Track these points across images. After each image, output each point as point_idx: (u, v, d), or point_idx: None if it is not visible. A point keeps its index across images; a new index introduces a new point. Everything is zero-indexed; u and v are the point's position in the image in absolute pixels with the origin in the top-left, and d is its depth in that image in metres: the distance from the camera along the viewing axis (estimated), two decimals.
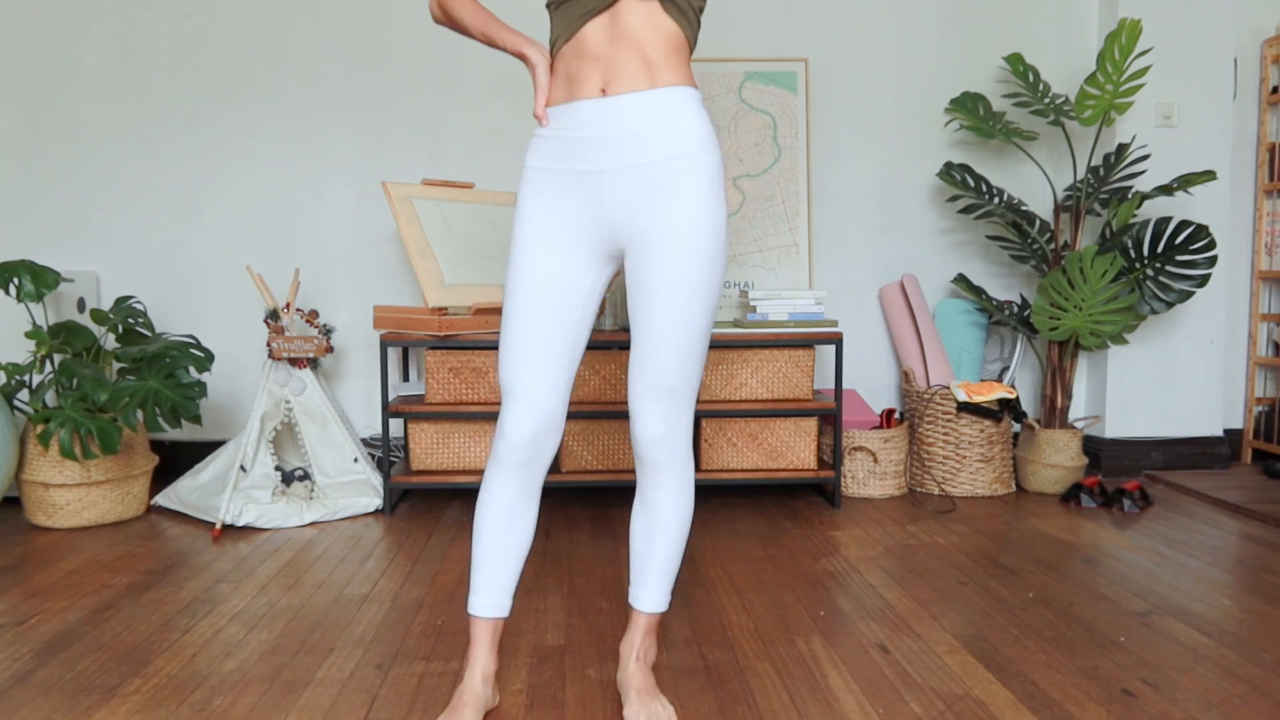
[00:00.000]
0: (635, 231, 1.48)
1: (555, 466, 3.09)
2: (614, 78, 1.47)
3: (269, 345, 2.95)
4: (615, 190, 1.48)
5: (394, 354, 3.34)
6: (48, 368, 2.92)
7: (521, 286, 1.51)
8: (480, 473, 2.98)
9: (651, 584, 1.63)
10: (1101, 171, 3.23)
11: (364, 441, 3.39)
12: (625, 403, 3.03)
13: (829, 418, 3.21)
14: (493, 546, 1.56)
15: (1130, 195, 3.20)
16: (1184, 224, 3.11)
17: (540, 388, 1.50)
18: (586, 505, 3.08)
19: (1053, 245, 3.30)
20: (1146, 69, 3.05)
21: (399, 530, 2.76)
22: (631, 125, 1.46)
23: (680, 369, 1.51)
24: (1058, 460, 3.21)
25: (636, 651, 1.64)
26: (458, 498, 3.17)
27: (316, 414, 3.03)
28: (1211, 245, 3.10)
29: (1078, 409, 3.64)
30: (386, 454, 2.89)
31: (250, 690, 1.70)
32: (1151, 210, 3.45)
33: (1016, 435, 3.48)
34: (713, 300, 1.51)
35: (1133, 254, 3.22)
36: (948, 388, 3.21)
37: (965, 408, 3.14)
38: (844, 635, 1.95)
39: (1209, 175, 3.05)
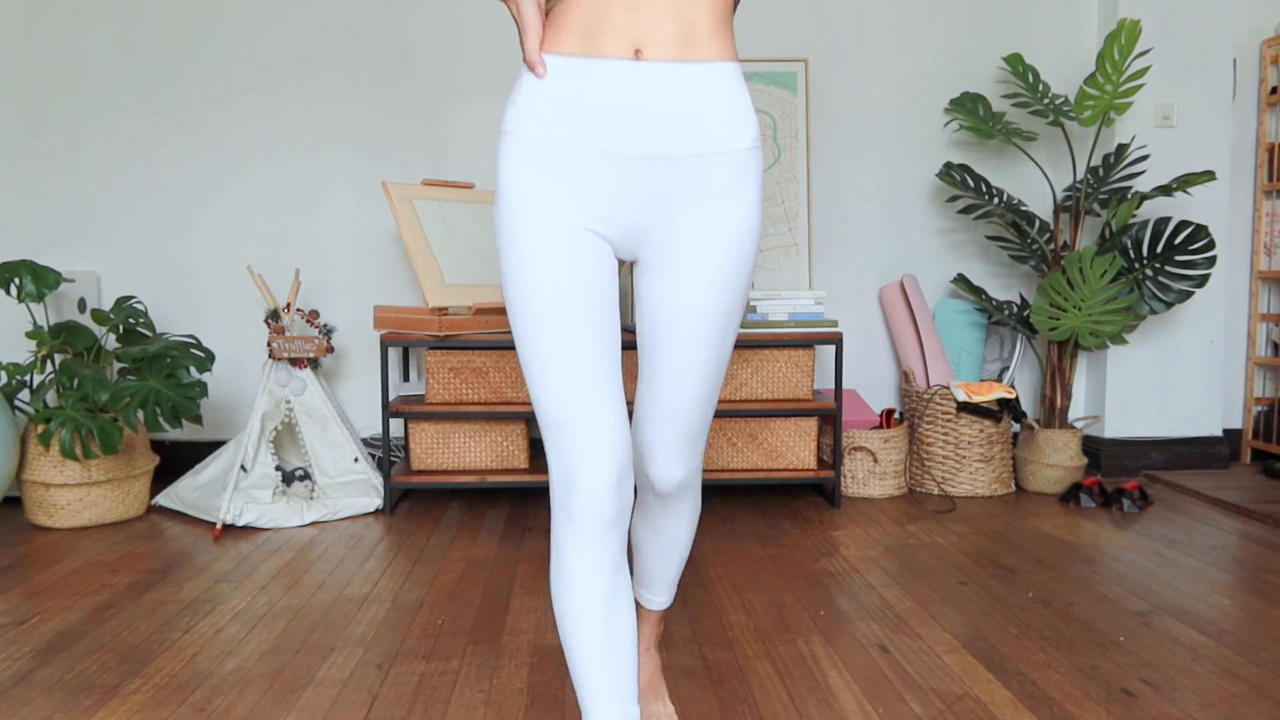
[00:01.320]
0: (663, 240, 1.20)
1: None
2: (651, 39, 1.14)
3: (269, 345, 2.95)
4: (646, 184, 1.17)
5: (394, 354, 3.34)
6: (49, 368, 2.92)
7: (546, 286, 1.16)
8: (482, 472, 2.98)
9: (659, 588, 1.52)
10: (1101, 172, 3.24)
11: (364, 441, 3.39)
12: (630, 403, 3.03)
13: (829, 418, 3.22)
14: (602, 645, 1.17)
15: (1130, 195, 3.20)
16: (1183, 224, 3.11)
17: (610, 414, 1.16)
18: None
19: (1052, 245, 3.31)
20: (1146, 69, 3.05)
21: (399, 530, 2.76)
22: (676, 104, 1.15)
23: (706, 409, 1.28)
24: (1057, 460, 3.22)
25: (645, 643, 1.57)
26: (458, 497, 3.17)
27: (317, 414, 3.03)
28: (1211, 245, 3.10)
29: (1077, 409, 3.64)
30: (387, 454, 2.89)
31: (251, 690, 1.70)
32: (1151, 210, 3.45)
33: (1016, 435, 3.48)
34: (738, 326, 1.29)
35: (1132, 254, 3.22)
36: (947, 388, 3.21)
37: (965, 408, 3.14)
38: (844, 635, 1.96)
39: (1208, 175, 3.05)
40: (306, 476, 3.05)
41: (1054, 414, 3.33)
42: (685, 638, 1.94)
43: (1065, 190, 3.38)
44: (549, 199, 1.16)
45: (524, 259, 1.16)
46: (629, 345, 2.94)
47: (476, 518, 2.91)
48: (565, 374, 1.15)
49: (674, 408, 1.27)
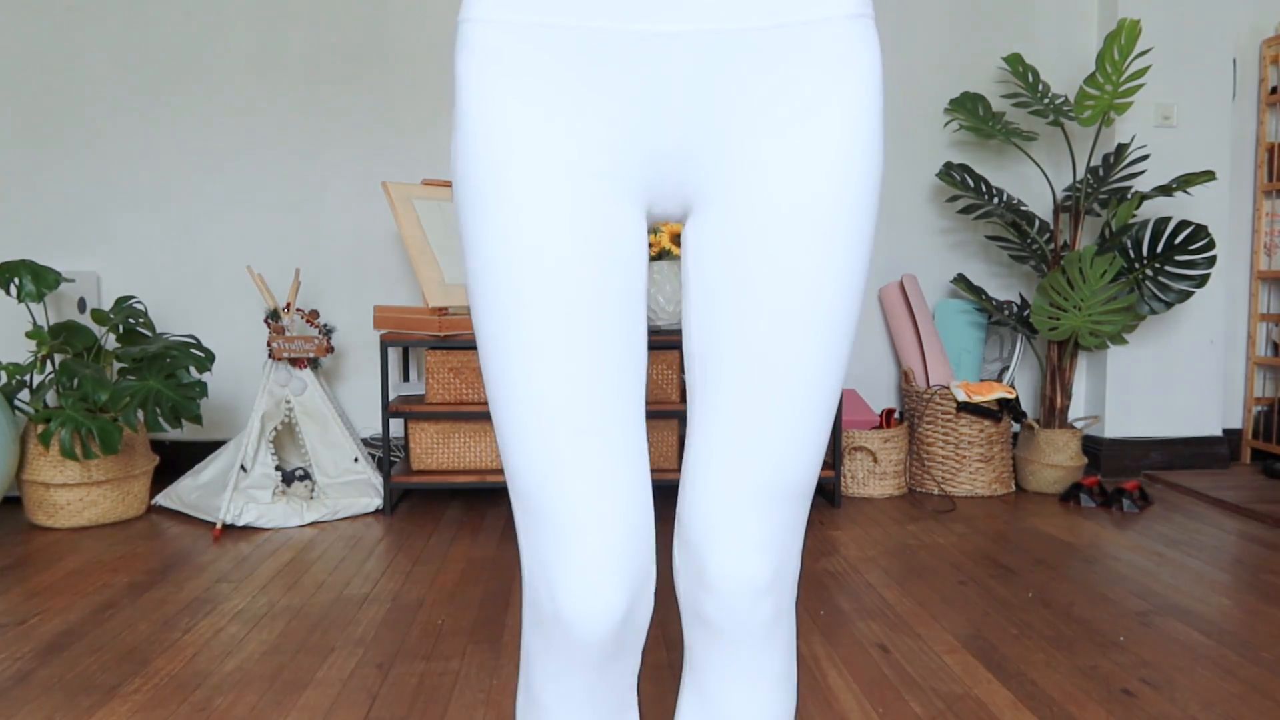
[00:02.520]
0: (729, 177, 0.76)
1: None
2: None
3: (269, 345, 2.95)
4: (694, 83, 0.73)
5: (394, 354, 3.34)
6: (48, 368, 2.92)
7: (529, 294, 0.73)
8: (482, 472, 2.98)
9: None
10: (1101, 172, 3.24)
11: (364, 441, 3.39)
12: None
13: None
14: None
15: (1129, 195, 3.20)
16: (1183, 224, 3.11)
17: (620, 495, 0.76)
18: None
19: (1052, 245, 3.31)
20: (1146, 69, 3.05)
21: (399, 530, 2.76)
22: None
23: (807, 450, 0.79)
24: (1057, 460, 3.22)
25: None
26: (458, 498, 3.17)
27: (317, 414, 3.03)
28: (1211, 245, 3.10)
29: (1077, 409, 3.64)
30: (387, 454, 2.89)
31: (251, 690, 1.70)
32: (1151, 210, 3.45)
33: (1016, 435, 3.48)
34: (858, 314, 0.81)
35: (1132, 254, 3.22)
36: (947, 388, 3.21)
37: (965, 408, 3.14)
38: (844, 635, 1.96)
39: (1208, 175, 3.05)
40: (306, 476, 3.05)
41: (1054, 414, 3.33)
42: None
43: (1065, 190, 3.38)
44: (536, 131, 0.73)
45: (494, 244, 0.74)
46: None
47: (476, 518, 2.91)
48: (553, 432, 0.74)
49: (751, 446, 0.77)
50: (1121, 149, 3.17)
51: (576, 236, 0.73)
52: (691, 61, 0.72)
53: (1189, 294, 3.16)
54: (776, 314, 0.76)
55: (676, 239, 3.07)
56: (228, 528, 2.77)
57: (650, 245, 2.99)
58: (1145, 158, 3.16)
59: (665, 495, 3.14)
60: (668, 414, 2.92)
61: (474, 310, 0.77)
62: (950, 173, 3.27)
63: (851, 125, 0.75)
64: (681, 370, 3.04)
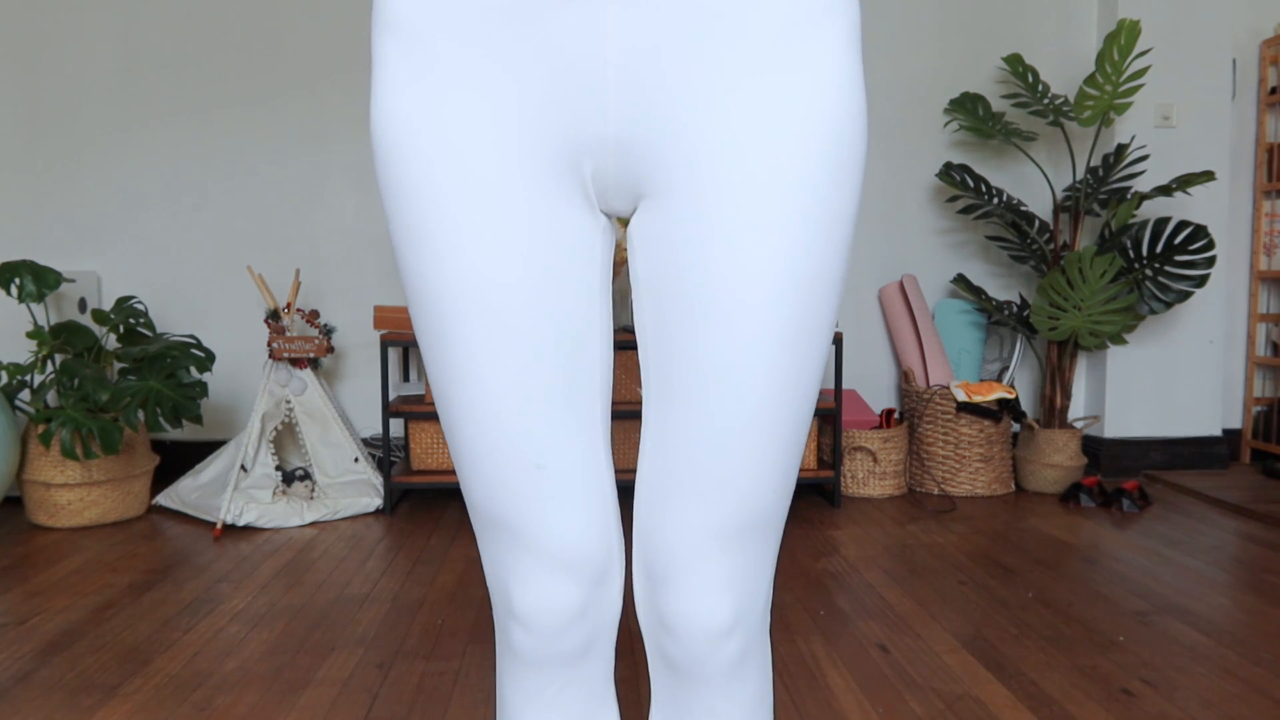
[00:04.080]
0: (679, 154, 0.64)
1: None
2: None
3: (270, 345, 2.95)
4: (633, 42, 0.61)
5: (394, 354, 3.34)
6: (49, 368, 2.92)
7: (475, 319, 0.66)
8: None
9: None
10: (1100, 172, 3.24)
11: (364, 441, 3.39)
12: (630, 401, 3.03)
13: (829, 418, 3.22)
14: None
15: (1129, 195, 3.20)
16: (1183, 224, 3.11)
17: (574, 511, 0.72)
18: None
19: (1052, 245, 3.31)
20: (1145, 69, 3.05)
21: (399, 530, 2.76)
22: None
23: (776, 473, 0.70)
24: (1057, 460, 3.22)
25: None
26: (458, 497, 3.17)
27: (317, 414, 3.03)
28: (1210, 245, 3.10)
29: (1077, 409, 3.64)
30: (387, 454, 2.89)
31: (251, 689, 1.70)
32: (1150, 210, 3.45)
33: (1016, 435, 3.48)
34: (833, 315, 0.69)
35: (1132, 254, 3.22)
36: (947, 388, 3.21)
37: (965, 408, 3.14)
38: (844, 635, 1.96)
39: (1208, 176, 3.05)
40: (307, 476, 3.05)
41: (1054, 414, 3.33)
42: None
43: (1065, 190, 3.38)
44: (463, 121, 0.63)
45: (425, 261, 0.66)
46: (631, 345, 2.92)
47: None
48: (501, 450, 0.69)
49: (712, 476, 0.69)
50: (1121, 149, 3.17)
51: (515, 244, 0.65)
52: (631, 20, 0.60)
53: (1189, 294, 3.16)
54: (739, 324, 0.65)
55: None
56: (228, 528, 2.77)
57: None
58: (1145, 158, 3.17)
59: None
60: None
61: (415, 326, 0.70)
62: (950, 173, 3.27)
63: (822, 91, 0.63)
64: None
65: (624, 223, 2.84)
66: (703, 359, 0.66)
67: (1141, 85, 3.06)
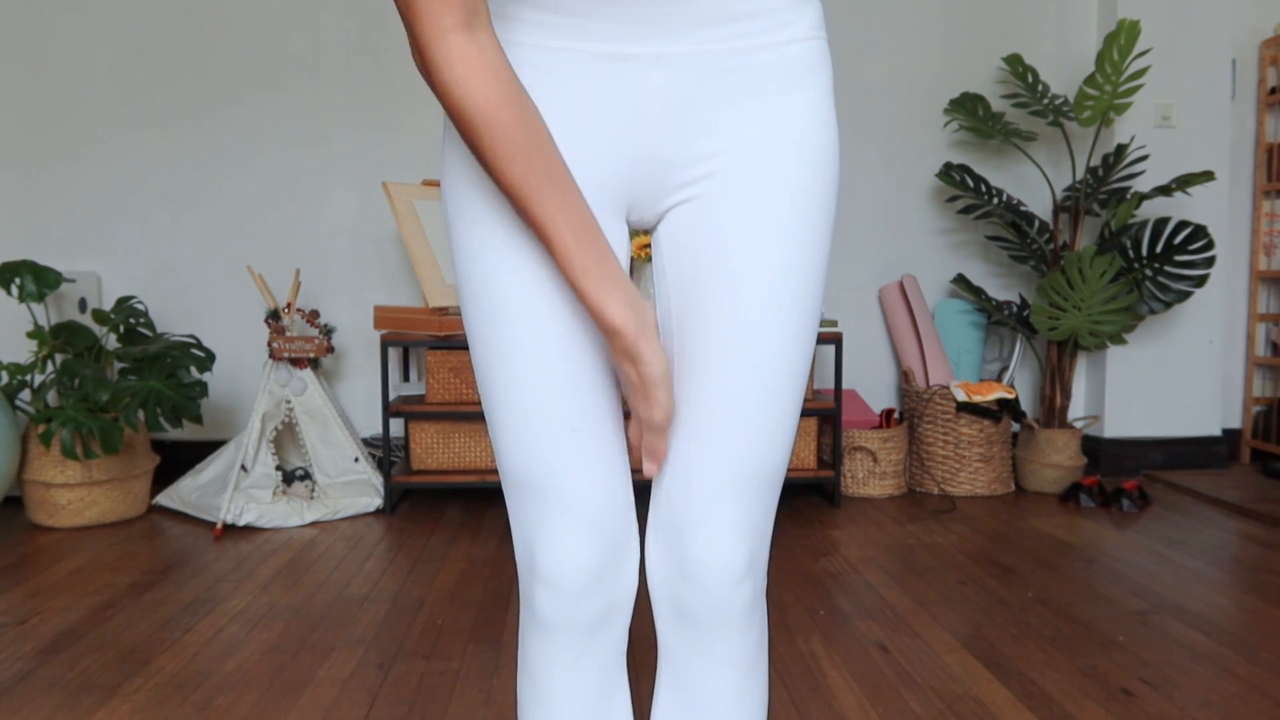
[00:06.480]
0: (696, 172, 0.83)
1: None
2: None
3: (270, 345, 2.95)
4: (668, 91, 0.80)
5: (394, 354, 3.34)
6: (49, 368, 2.92)
7: (511, 299, 0.81)
8: (482, 472, 2.98)
9: None
10: (1100, 172, 3.24)
11: (365, 441, 3.40)
12: None
13: (829, 417, 3.22)
14: None
15: (1129, 195, 3.20)
16: (1182, 224, 3.11)
17: (597, 475, 0.83)
18: None
19: (1052, 245, 3.31)
20: (1145, 70, 3.05)
21: (399, 530, 2.76)
22: None
23: (780, 432, 0.84)
24: (1057, 460, 3.22)
25: None
26: (458, 497, 3.18)
27: (317, 414, 3.03)
28: (1210, 245, 3.10)
29: (1077, 409, 3.64)
30: (387, 454, 2.89)
31: (251, 689, 1.70)
32: (1150, 210, 3.45)
33: (1016, 435, 3.48)
34: (820, 299, 0.86)
35: (1131, 254, 3.22)
36: (947, 388, 3.22)
37: (964, 408, 3.14)
38: (844, 635, 1.96)
39: (1207, 176, 3.05)
40: (307, 476, 3.05)
41: (1054, 414, 3.33)
42: None
43: (1065, 190, 3.38)
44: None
45: (483, 254, 0.82)
46: None
47: (476, 518, 2.91)
48: (534, 421, 0.82)
49: (728, 435, 0.82)
50: (1121, 149, 3.17)
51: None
52: (669, 79, 0.80)
53: (1188, 294, 3.17)
54: (750, 301, 0.81)
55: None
56: (228, 527, 2.77)
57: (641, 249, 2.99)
58: (1145, 158, 3.17)
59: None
60: None
61: (464, 312, 0.85)
62: (950, 173, 3.27)
63: (809, 127, 0.83)
64: None
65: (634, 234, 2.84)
66: (720, 330, 0.81)
67: (1141, 85, 3.06)
